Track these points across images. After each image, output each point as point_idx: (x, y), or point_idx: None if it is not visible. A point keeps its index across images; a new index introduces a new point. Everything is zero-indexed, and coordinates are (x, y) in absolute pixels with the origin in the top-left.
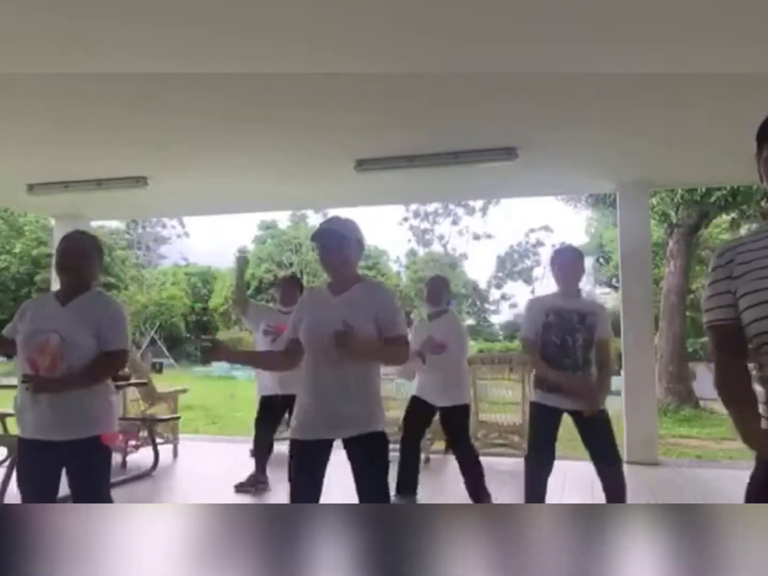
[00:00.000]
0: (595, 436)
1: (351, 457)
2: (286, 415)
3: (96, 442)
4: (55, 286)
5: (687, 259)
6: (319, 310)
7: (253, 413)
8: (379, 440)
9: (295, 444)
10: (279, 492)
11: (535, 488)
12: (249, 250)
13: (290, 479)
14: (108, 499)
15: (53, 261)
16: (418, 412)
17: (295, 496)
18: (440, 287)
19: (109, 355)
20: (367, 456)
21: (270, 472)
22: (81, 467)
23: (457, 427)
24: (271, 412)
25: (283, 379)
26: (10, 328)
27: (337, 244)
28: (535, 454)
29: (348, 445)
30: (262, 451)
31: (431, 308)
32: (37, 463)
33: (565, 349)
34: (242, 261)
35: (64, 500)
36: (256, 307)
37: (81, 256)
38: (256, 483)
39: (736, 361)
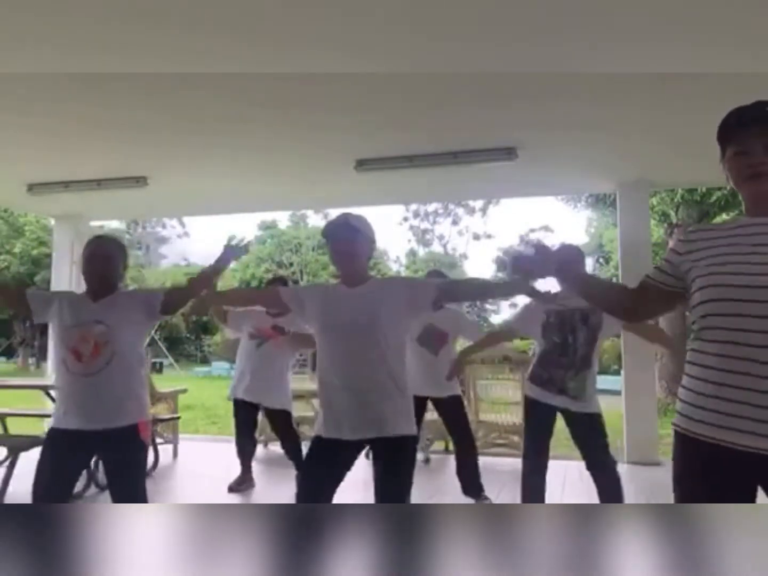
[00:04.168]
0: (584, 437)
1: (377, 458)
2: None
3: (133, 432)
4: (56, 286)
5: None
6: (336, 304)
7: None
8: (412, 445)
9: (320, 441)
10: (267, 491)
11: (532, 487)
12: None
13: (303, 476)
14: (143, 492)
15: (81, 265)
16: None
17: (307, 495)
18: None
19: (167, 296)
20: (396, 461)
21: (262, 471)
22: (119, 457)
23: (459, 417)
24: (246, 414)
25: (254, 386)
26: (38, 297)
27: (349, 237)
28: (530, 453)
29: (376, 446)
30: (244, 452)
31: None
32: (69, 456)
33: (565, 348)
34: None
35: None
36: (239, 315)
37: (108, 260)
38: (243, 483)
39: (632, 295)
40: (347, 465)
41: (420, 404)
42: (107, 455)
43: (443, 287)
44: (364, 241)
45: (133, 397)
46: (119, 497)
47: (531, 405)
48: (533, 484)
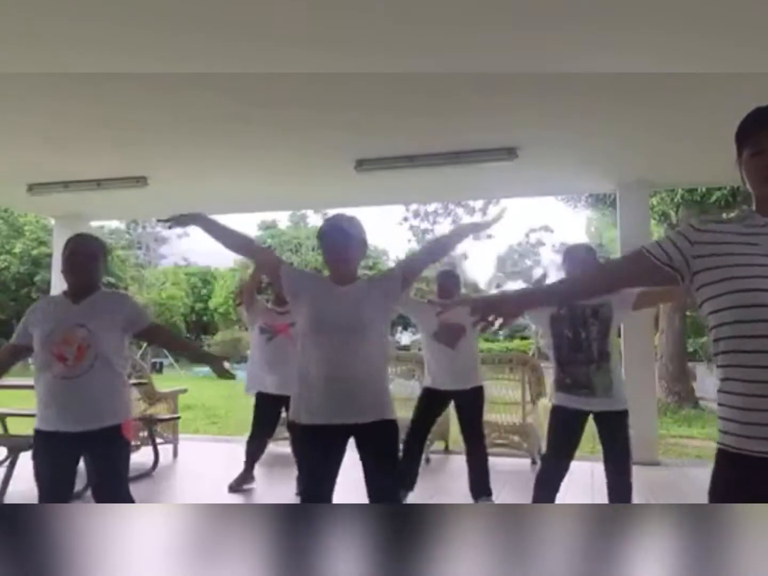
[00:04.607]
0: (611, 436)
1: (362, 444)
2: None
3: (118, 432)
4: (56, 286)
5: None
6: (326, 298)
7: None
8: (394, 428)
9: (308, 429)
10: (267, 491)
11: (545, 490)
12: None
13: (300, 467)
14: (127, 490)
15: (61, 263)
16: (431, 404)
17: (311, 482)
18: (452, 285)
19: (151, 329)
20: (381, 443)
21: (263, 472)
22: (104, 456)
23: (475, 410)
24: (267, 410)
25: (281, 378)
26: (19, 333)
27: (343, 242)
28: (552, 457)
29: (360, 431)
30: (255, 451)
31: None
32: (59, 456)
33: (578, 343)
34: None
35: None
36: (259, 302)
37: (88, 257)
38: (243, 481)
39: (614, 273)
40: (340, 450)
41: (443, 400)
42: (91, 456)
43: (404, 262)
44: (356, 245)
45: (116, 398)
46: (103, 496)
47: (557, 411)
48: (546, 488)
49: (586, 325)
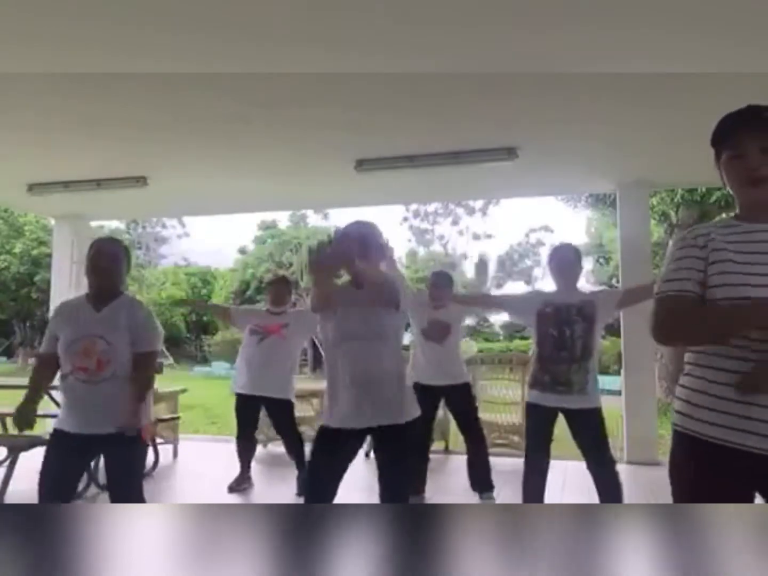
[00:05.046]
0: (587, 434)
1: (382, 445)
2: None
3: (138, 436)
4: (56, 286)
5: None
6: (348, 307)
7: None
8: (419, 424)
9: (327, 432)
10: (267, 491)
11: (533, 488)
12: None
13: (311, 470)
14: (141, 491)
15: (85, 265)
16: (423, 400)
17: (316, 485)
18: (444, 285)
19: (141, 356)
20: (402, 446)
21: (263, 472)
22: (124, 458)
23: (468, 405)
24: (247, 410)
25: (254, 379)
26: (47, 342)
27: (360, 248)
28: (533, 455)
29: (382, 433)
30: (243, 450)
31: (435, 304)
32: (70, 456)
33: (563, 341)
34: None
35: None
36: (242, 313)
37: (113, 259)
38: (242, 482)
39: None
40: (353, 453)
41: (432, 395)
42: (111, 457)
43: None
44: (373, 249)
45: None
46: (119, 497)
47: (531, 408)
48: (533, 486)
49: (570, 323)
